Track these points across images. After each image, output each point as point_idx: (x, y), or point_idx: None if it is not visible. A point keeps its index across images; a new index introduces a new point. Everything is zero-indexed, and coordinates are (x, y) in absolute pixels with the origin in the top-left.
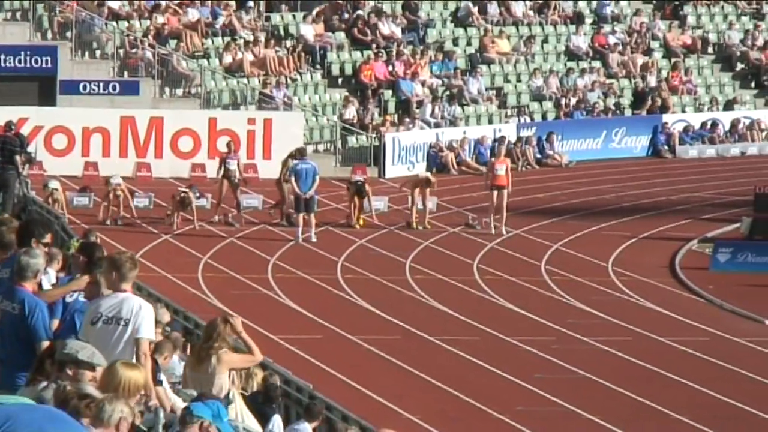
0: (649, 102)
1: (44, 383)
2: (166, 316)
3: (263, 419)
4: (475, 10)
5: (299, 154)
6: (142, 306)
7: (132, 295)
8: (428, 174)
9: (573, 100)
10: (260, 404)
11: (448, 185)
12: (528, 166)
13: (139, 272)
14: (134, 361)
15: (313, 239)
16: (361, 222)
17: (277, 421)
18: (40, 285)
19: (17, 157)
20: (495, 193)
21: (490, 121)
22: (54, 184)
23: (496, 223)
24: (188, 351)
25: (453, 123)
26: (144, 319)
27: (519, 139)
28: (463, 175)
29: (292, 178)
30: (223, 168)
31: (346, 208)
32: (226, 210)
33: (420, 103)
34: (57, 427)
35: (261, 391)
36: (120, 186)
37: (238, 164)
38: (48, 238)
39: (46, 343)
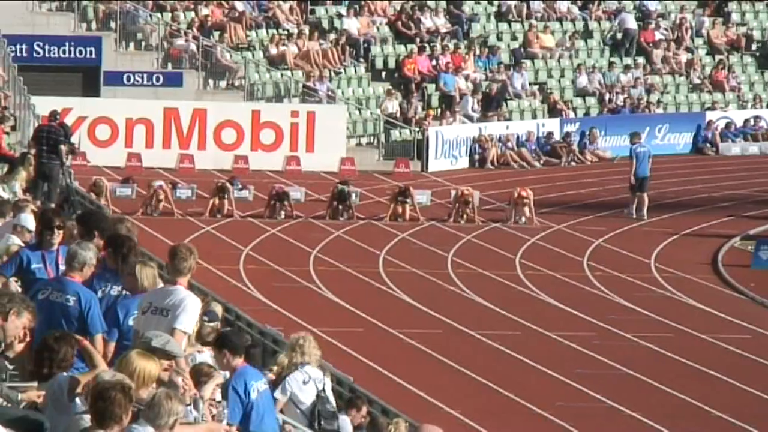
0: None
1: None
2: (218, 309)
3: None
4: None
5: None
6: (186, 298)
7: (182, 288)
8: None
9: (618, 97)
10: None
11: (489, 180)
12: (574, 161)
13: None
14: None
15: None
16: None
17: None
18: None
19: (61, 147)
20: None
21: (534, 116)
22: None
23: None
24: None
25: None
26: (184, 311)
27: (567, 134)
28: (503, 170)
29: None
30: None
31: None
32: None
33: (462, 98)
34: None
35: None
36: (162, 187)
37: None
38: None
39: (100, 336)
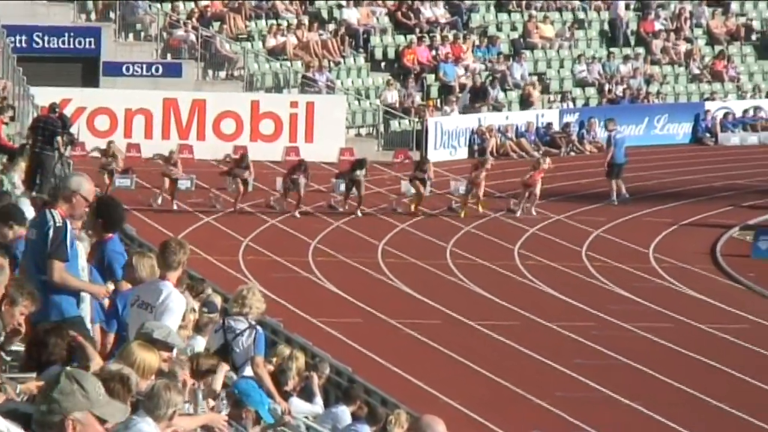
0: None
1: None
2: (217, 299)
3: None
4: None
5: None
6: (170, 295)
7: (168, 284)
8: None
9: (618, 88)
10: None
11: (488, 170)
12: (573, 152)
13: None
14: None
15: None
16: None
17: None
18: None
19: (58, 138)
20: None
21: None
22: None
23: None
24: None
25: (496, 108)
26: (167, 310)
27: (566, 124)
28: (503, 160)
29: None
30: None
31: (392, 193)
32: (268, 193)
33: (462, 88)
34: None
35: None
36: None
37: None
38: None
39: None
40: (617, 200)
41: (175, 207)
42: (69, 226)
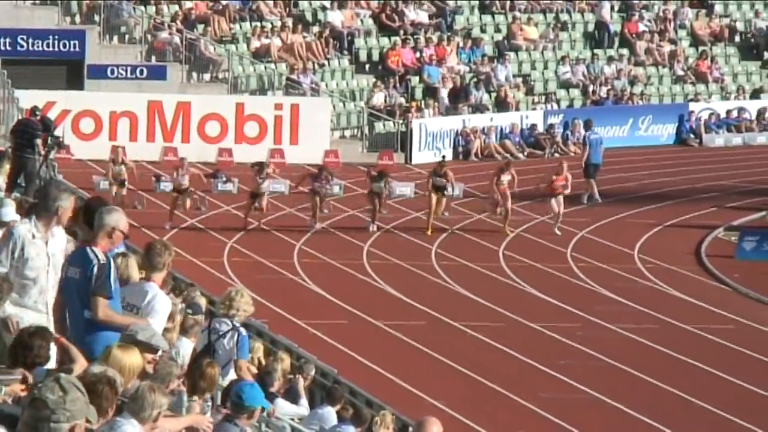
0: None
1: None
2: (202, 301)
3: None
4: None
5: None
6: (156, 296)
7: (153, 285)
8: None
9: (602, 89)
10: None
11: (473, 172)
12: (558, 153)
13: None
14: None
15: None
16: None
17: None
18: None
19: (38, 141)
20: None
21: (517, 108)
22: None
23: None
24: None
25: (479, 109)
26: (153, 311)
27: (551, 126)
28: (487, 162)
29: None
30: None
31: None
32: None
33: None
34: None
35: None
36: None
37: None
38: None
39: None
40: (588, 202)
41: (171, 227)
42: (112, 264)
